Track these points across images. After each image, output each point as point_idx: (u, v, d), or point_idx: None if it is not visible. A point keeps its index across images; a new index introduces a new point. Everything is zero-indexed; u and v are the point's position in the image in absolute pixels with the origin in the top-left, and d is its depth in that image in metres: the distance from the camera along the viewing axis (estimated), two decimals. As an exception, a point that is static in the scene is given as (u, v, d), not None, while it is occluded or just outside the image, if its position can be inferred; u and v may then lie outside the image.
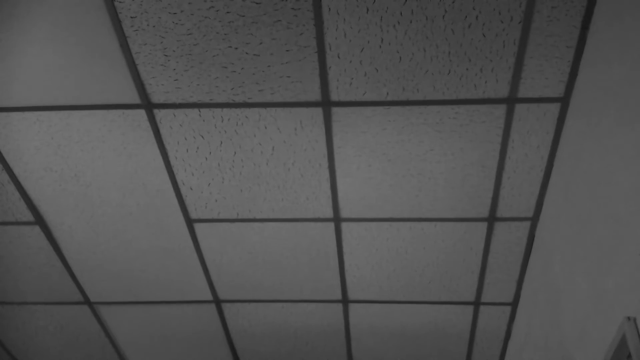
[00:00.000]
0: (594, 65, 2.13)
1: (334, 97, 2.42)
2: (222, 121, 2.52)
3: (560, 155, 2.50)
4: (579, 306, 2.18)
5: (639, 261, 1.64)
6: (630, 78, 1.78)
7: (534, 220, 2.82)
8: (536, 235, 2.86)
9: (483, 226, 2.88)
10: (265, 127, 2.54)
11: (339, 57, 2.29)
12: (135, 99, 2.46)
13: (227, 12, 2.17)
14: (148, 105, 2.48)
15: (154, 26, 2.22)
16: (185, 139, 2.59)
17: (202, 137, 2.58)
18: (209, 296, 3.40)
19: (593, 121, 2.07)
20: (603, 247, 1.91)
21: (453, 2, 2.11)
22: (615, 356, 1.72)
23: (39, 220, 2.97)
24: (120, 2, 2.15)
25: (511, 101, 2.39)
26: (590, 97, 2.14)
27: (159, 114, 2.51)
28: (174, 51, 2.29)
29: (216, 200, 2.85)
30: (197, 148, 2.63)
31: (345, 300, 3.35)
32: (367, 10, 2.15)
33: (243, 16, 2.18)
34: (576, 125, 2.29)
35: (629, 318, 1.66)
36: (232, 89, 2.41)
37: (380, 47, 2.25)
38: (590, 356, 2.01)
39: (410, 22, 2.17)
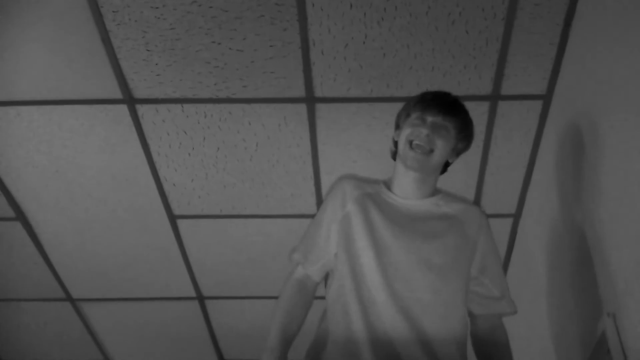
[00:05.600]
0: (575, 63, 2.14)
1: (318, 93, 2.42)
2: (206, 117, 2.51)
3: (542, 152, 2.52)
4: (559, 302, 2.20)
5: (619, 258, 1.66)
6: (611, 75, 1.79)
7: (517, 216, 2.84)
8: (518, 231, 2.88)
9: (466, 222, 2.89)
10: (249, 123, 2.53)
11: (322, 53, 2.28)
12: (117, 94, 2.43)
13: (210, 7, 2.16)
14: (130, 101, 2.46)
15: (136, 21, 2.20)
16: (168, 134, 2.57)
17: (185, 132, 2.56)
18: (192, 293, 3.38)
19: (575, 118, 2.09)
20: (584, 244, 1.93)
21: (437, -2, 2.11)
22: (595, 352, 1.73)
23: (20, 217, 2.94)
24: (101, -4, 2.13)
25: (494, 98, 2.40)
26: (572, 94, 2.15)
27: (141, 109, 2.49)
28: (156, 46, 2.27)
29: (199, 197, 2.83)
30: (180, 144, 2.61)
31: (329, 297, 3.35)
32: (351, 6, 2.14)
33: (226, 11, 2.17)
34: (558, 122, 2.31)
35: (608, 314, 1.68)
36: (216, 84, 2.39)
37: (364, 43, 2.25)
38: (571, 352, 2.03)
39: (394, 18, 2.17)
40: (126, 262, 3.19)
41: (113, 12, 2.17)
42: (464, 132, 1.75)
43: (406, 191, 1.74)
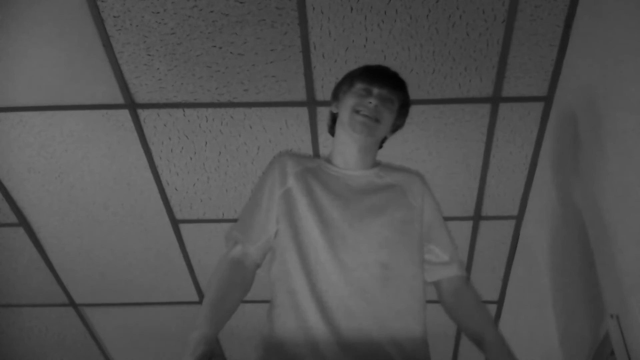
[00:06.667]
0: (576, 64, 2.14)
1: (319, 96, 2.42)
2: (207, 121, 2.51)
3: (544, 154, 2.52)
4: (563, 303, 2.19)
5: (622, 259, 1.66)
6: (612, 76, 1.79)
7: (519, 218, 2.83)
8: (521, 233, 2.88)
9: (468, 225, 2.89)
10: (251, 127, 2.54)
11: (323, 56, 2.28)
12: (118, 99, 2.44)
13: (211, 12, 2.16)
14: (132, 105, 2.46)
15: (137, 25, 2.20)
16: (170, 139, 2.58)
17: (187, 137, 2.57)
18: (195, 297, 3.38)
19: (576, 119, 2.09)
20: (586, 246, 1.93)
21: (437, 1, 2.11)
22: (598, 353, 1.73)
23: (23, 222, 2.94)
24: (102, 1, 2.13)
25: (495, 100, 2.40)
26: (573, 96, 2.15)
27: (143, 113, 2.49)
28: (157, 50, 2.28)
29: (201, 201, 2.84)
30: (182, 148, 2.61)
31: (332, 300, 3.34)
32: (352, 9, 2.15)
33: (227, 15, 2.17)
34: (559, 123, 2.30)
35: (612, 316, 1.67)
36: (217, 88, 2.40)
37: (364, 46, 2.25)
38: (574, 353, 2.02)
39: (395, 21, 2.17)
40: (128, 267, 3.19)
41: (114, 17, 2.18)
42: (405, 107, 1.77)
43: (349, 161, 1.72)
